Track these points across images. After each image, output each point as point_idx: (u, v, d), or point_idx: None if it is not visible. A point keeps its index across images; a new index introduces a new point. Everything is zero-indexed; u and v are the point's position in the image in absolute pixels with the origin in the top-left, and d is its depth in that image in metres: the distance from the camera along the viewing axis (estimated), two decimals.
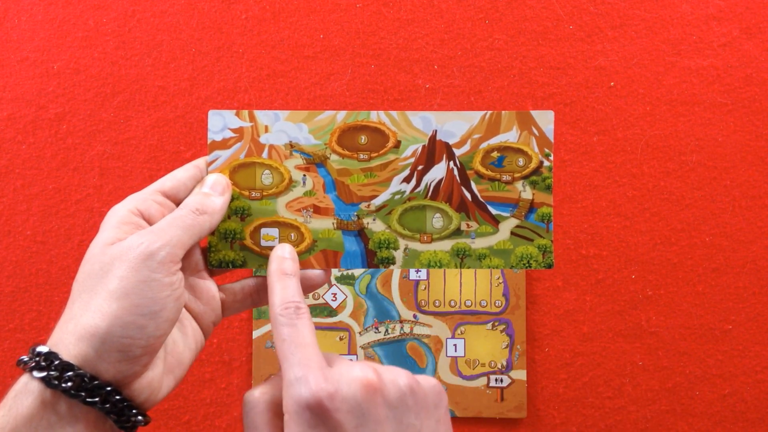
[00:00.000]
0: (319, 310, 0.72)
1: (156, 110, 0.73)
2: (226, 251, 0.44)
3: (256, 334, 0.72)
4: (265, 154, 0.44)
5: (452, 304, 0.72)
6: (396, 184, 0.44)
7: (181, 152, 0.73)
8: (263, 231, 0.44)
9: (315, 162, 0.44)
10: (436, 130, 0.44)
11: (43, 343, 0.37)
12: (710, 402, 0.72)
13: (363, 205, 0.44)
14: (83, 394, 0.35)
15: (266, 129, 0.44)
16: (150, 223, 0.40)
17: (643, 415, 0.72)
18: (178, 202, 0.42)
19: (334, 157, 0.44)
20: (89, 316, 0.36)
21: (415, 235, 0.44)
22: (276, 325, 0.37)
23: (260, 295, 0.44)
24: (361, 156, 0.44)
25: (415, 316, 0.72)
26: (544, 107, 0.73)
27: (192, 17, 0.74)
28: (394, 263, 0.44)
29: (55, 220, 0.73)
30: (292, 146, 0.44)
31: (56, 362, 0.35)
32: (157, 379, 0.39)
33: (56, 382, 0.35)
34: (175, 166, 0.73)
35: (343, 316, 0.72)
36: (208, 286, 0.43)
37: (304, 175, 0.44)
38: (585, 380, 0.72)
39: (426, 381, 0.36)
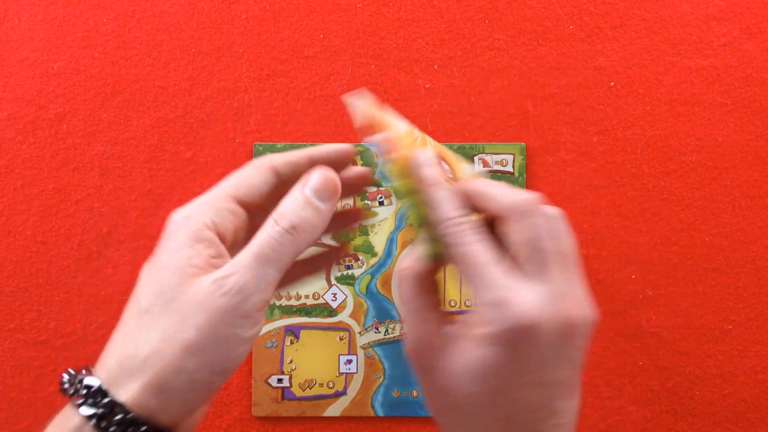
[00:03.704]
0: (319, 310, 0.72)
1: (156, 110, 0.73)
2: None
3: None
4: (428, 140, 0.38)
5: (452, 304, 0.72)
6: None
7: (181, 152, 0.73)
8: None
9: None
10: None
11: (83, 366, 0.34)
12: (710, 402, 0.72)
13: None
14: None
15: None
16: (222, 239, 0.35)
17: (643, 415, 0.72)
18: (250, 210, 0.36)
19: None
20: (158, 364, 0.32)
21: None
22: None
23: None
24: None
25: None
26: (544, 107, 0.73)
27: (192, 17, 0.74)
28: None
29: (55, 220, 0.73)
30: None
31: (119, 415, 0.32)
32: (199, 413, 0.37)
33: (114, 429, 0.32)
34: (175, 166, 0.73)
35: (343, 316, 0.72)
36: None
37: None
38: (585, 380, 0.72)
39: None
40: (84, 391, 0.32)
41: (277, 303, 0.72)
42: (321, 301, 0.72)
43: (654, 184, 0.73)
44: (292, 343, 0.72)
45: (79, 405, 0.32)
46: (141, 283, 0.34)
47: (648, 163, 0.73)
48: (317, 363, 0.72)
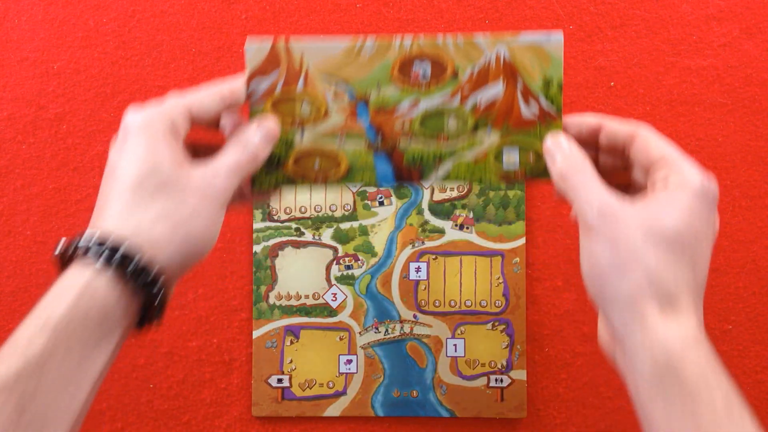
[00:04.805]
0: (319, 310, 0.72)
1: None
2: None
3: (256, 334, 0.72)
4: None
5: (452, 304, 0.72)
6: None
7: None
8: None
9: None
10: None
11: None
12: None
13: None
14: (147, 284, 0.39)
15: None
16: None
17: None
18: (201, 124, 0.45)
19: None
20: (158, 234, 0.40)
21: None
22: None
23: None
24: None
25: (415, 316, 0.72)
26: None
27: (192, 17, 0.74)
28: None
29: (55, 220, 0.73)
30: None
31: (135, 260, 0.39)
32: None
33: (134, 279, 0.39)
34: None
35: (343, 316, 0.72)
36: None
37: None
38: (585, 380, 0.72)
39: None
40: (89, 242, 0.39)
41: (277, 303, 0.72)
42: (321, 301, 0.72)
43: None
44: (292, 343, 0.72)
45: (85, 252, 0.39)
46: (122, 165, 0.41)
47: None
48: (317, 363, 0.72)
